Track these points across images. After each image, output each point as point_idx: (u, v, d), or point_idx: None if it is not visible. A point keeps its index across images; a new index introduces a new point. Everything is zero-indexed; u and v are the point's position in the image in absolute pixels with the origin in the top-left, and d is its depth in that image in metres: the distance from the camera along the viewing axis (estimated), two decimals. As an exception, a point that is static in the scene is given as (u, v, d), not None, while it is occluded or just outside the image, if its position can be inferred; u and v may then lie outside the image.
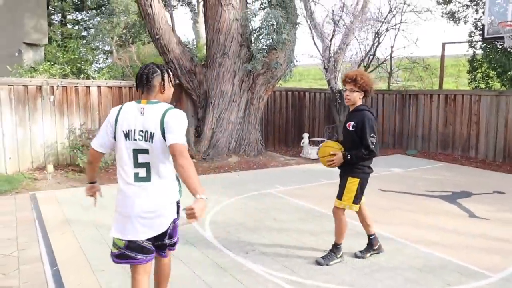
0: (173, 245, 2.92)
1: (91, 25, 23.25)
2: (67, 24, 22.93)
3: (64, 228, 5.17)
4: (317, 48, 13.59)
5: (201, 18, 19.81)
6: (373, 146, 3.93)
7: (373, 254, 4.42)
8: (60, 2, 21.79)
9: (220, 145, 10.11)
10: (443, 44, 12.88)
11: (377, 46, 12.78)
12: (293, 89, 13.33)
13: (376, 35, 12.67)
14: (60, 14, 22.79)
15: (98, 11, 22.18)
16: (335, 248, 4.27)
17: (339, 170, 4.29)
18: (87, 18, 23.89)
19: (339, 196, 4.16)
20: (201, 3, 17.15)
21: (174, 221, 2.81)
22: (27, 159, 8.53)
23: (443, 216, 5.96)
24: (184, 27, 32.60)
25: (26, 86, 8.49)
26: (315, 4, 14.00)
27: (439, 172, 9.38)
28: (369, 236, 4.45)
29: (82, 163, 8.12)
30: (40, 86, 8.64)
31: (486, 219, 5.83)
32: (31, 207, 6.08)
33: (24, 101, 8.46)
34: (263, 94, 10.62)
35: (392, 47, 13.37)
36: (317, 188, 7.70)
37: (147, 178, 2.66)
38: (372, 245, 4.43)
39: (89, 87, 9.25)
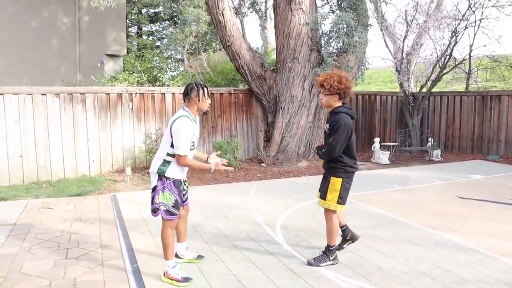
0: (152, 210, 3.80)
1: (164, 35, 24.41)
2: (143, 35, 24.26)
3: (142, 227, 5.44)
4: (389, 50, 13.19)
5: (269, 24, 20.03)
6: (331, 146, 4.03)
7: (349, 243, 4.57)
8: (136, 15, 23.13)
9: (290, 149, 10.11)
10: (530, 41, 11.89)
11: (454, 45, 12.10)
12: (363, 93, 13.01)
13: (453, 34, 12.01)
14: (136, 26, 24.18)
15: (171, 21, 23.24)
16: (328, 250, 4.22)
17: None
18: (161, 29, 25.13)
19: (323, 196, 4.19)
20: (271, 9, 17.34)
21: (153, 190, 3.81)
22: (108, 162, 9.11)
23: (533, 226, 5.48)
24: (252, 33, 33.12)
25: (108, 94, 9.09)
26: (386, 5, 13.63)
27: (526, 179, 8.65)
28: (340, 227, 4.48)
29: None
30: (120, 94, 9.20)
31: None
32: (112, 207, 6.47)
33: (106, 108, 9.06)
34: (333, 98, 10.46)
35: (471, 45, 12.57)
36: (389, 194, 7.43)
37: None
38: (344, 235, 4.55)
39: (164, 94, 9.69)
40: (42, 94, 8.38)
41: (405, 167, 10.38)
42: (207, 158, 3.99)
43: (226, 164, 4.00)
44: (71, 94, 8.70)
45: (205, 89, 3.81)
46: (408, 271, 4.05)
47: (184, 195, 3.97)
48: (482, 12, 12.12)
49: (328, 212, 4.20)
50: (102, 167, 9.03)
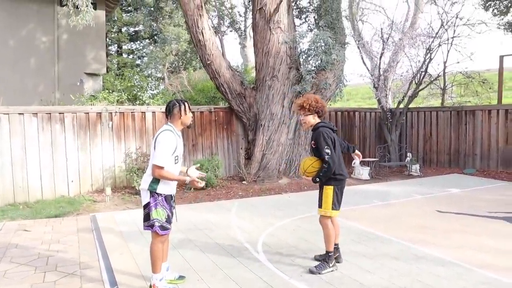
0: (149, 226, 3.89)
1: (144, 54, 24.44)
2: (123, 54, 24.23)
3: (122, 248, 5.35)
4: (366, 67, 13.48)
5: (248, 43, 20.28)
6: (328, 157, 4.33)
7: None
8: (116, 34, 23.13)
9: (271, 167, 10.14)
10: (501, 57, 12.35)
11: (429, 62, 12.46)
12: (343, 109, 13.21)
13: (428, 51, 12.36)
14: (116, 45, 24.16)
15: (151, 40, 23.30)
16: (327, 256, 4.48)
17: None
18: (141, 47, 25.16)
19: (319, 205, 4.53)
20: (250, 28, 17.57)
21: (145, 206, 3.88)
22: (87, 182, 8.97)
23: (509, 239, 5.60)
24: (232, 51, 33.41)
25: (88, 113, 9.01)
26: (363, 23, 13.99)
27: (501, 191, 8.87)
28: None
29: (138, 185, 8.42)
30: (100, 113, 9.14)
31: (557, 242, 5.41)
32: (91, 228, 6.36)
33: (86, 127, 8.97)
34: (313, 115, 10.59)
35: (445, 62, 12.96)
36: (370, 209, 7.51)
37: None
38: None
39: (144, 112, 9.67)
40: (19, 113, 8.26)
41: (385, 182, 10.52)
42: (186, 170, 4.05)
43: (204, 177, 4.09)
44: (49, 113, 8.59)
45: (186, 104, 4.00)
46: (389, 286, 4.09)
47: (173, 211, 4.03)
48: (454, 30, 12.56)
49: (324, 218, 4.49)
50: (81, 187, 8.89)
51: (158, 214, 3.85)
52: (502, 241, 5.47)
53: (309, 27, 12.10)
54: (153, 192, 3.85)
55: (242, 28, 19.86)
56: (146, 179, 3.91)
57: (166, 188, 3.89)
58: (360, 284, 4.15)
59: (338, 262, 4.67)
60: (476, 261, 4.72)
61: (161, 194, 3.86)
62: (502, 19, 12.88)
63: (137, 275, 4.42)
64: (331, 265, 4.44)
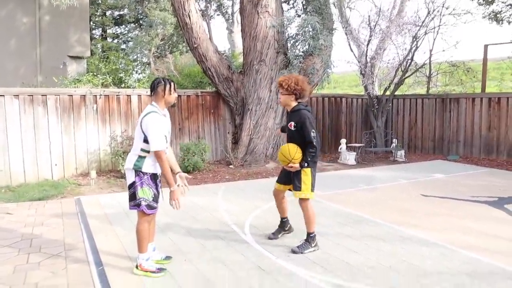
0: (135, 205, 3.83)
1: (129, 38, 24.00)
2: (107, 38, 23.77)
3: (107, 230, 5.30)
4: (353, 54, 13.47)
5: (236, 28, 20.09)
6: (314, 140, 4.35)
7: (285, 234, 4.97)
8: (100, 17, 22.65)
9: (258, 151, 10.13)
10: (486, 46, 12.47)
11: (415, 50, 12.52)
12: (330, 95, 13.23)
13: (414, 39, 12.41)
14: (100, 29, 23.67)
15: (136, 24, 22.90)
16: (309, 237, 4.53)
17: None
18: (126, 32, 24.69)
19: (298, 188, 4.49)
20: (237, 13, 17.40)
21: (130, 186, 3.84)
22: (72, 166, 8.84)
23: (491, 221, 5.72)
24: (220, 37, 33.11)
25: (71, 95, 8.84)
26: (350, 10, 13.93)
27: (483, 177, 9.02)
28: (282, 218, 4.96)
29: (123, 168, 8.32)
30: (84, 95, 8.97)
31: (538, 225, 5.54)
32: (76, 211, 6.28)
33: (69, 110, 8.81)
34: (300, 100, 10.57)
35: (431, 50, 13.04)
36: (355, 193, 7.57)
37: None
38: (283, 227, 4.97)
39: (130, 95, 9.53)
40: (0, 95, 8.05)
41: (370, 167, 10.60)
42: (177, 174, 3.97)
43: (186, 190, 3.92)
44: (32, 95, 8.41)
45: (171, 83, 3.94)
46: (375, 265, 4.14)
47: (159, 190, 3.97)
48: (441, 19, 12.61)
49: (304, 201, 4.50)
50: (65, 171, 8.76)
51: (144, 193, 3.81)
52: (484, 224, 5.57)
53: (297, 13, 12.02)
54: (138, 171, 3.81)
55: (230, 13, 19.66)
56: (131, 158, 3.86)
57: (151, 167, 3.84)
58: (347, 263, 4.18)
59: (291, 231, 5.00)
60: (460, 243, 4.80)
61: (146, 173, 3.82)
62: (488, 8, 12.97)
63: (123, 256, 4.38)
64: (313, 245, 4.51)
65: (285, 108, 4.76)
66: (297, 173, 4.48)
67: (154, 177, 3.89)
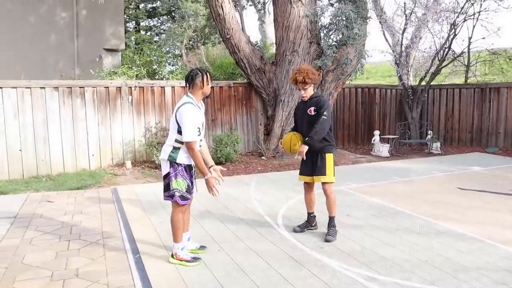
0: (169, 196, 3.90)
1: (162, 31, 24.30)
2: (141, 31, 24.14)
3: (143, 219, 5.43)
4: (388, 43, 13.16)
5: (267, 19, 19.98)
6: (324, 117, 4.53)
7: (310, 229, 4.96)
8: (134, 10, 23.02)
9: (289, 142, 10.07)
10: (529, 33, 11.87)
11: (453, 38, 12.10)
12: (363, 86, 13.00)
13: (452, 27, 11.99)
14: (134, 22, 24.07)
15: (169, 16, 23.14)
16: (333, 221, 4.73)
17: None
18: (159, 24, 25.01)
19: (323, 172, 4.63)
20: (269, 3, 17.28)
21: (165, 176, 3.91)
22: (108, 156, 9.09)
23: (533, 216, 5.50)
24: (251, 28, 33.01)
25: (107, 87, 9.06)
26: (385, -2, 13.54)
27: (525, 170, 8.67)
28: (309, 213, 4.98)
29: (157, 159, 8.49)
30: (120, 87, 9.17)
31: None
32: (113, 200, 6.46)
33: (106, 102, 9.03)
34: (333, 91, 10.45)
35: (470, 38, 12.56)
36: (389, 185, 7.43)
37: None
38: (310, 222, 4.99)
39: (164, 87, 9.67)
40: (41, 87, 8.35)
41: (404, 159, 10.38)
42: (211, 167, 4.00)
43: (221, 181, 3.98)
44: (70, 87, 8.67)
45: (208, 73, 3.96)
46: (410, 259, 4.06)
47: (193, 181, 4.05)
48: (481, 5, 12.11)
49: (329, 185, 4.68)
50: (101, 161, 9.02)
51: (178, 184, 3.87)
52: (526, 218, 5.37)
53: (330, 1, 11.81)
54: (173, 162, 3.87)
55: (262, 3, 19.56)
56: (166, 149, 3.92)
57: (186, 158, 3.89)
58: (381, 256, 4.13)
59: (316, 228, 5.00)
60: (498, 237, 4.65)
61: (181, 164, 3.88)
62: (532, -8, 12.33)
63: (159, 245, 4.48)
64: (336, 228, 4.72)
65: (300, 99, 4.92)
66: (322, 159, 4.65)
67: (188, 168, 3.94)
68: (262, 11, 20.08)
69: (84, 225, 5.23)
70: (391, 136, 11.71)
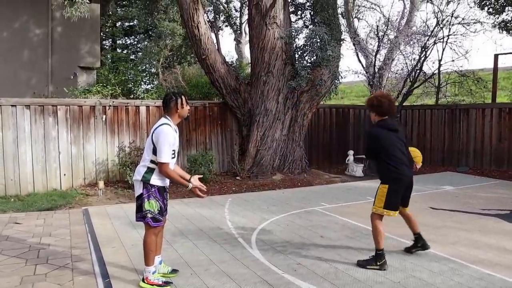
0: (141, 217, 3.86)
1: (139, 49, 24.21)
2: (117, 49, 24.00)
3: (115, 242, 5.30)
4: (361, 64, 13.49)
5: (244, 39, 20.20)
6: (364, 156, 4.76)
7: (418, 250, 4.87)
8: (111, 28, 22.91)
9: (265, 162, 10.11)
10: (496, 56, 12.40)
11: (424, 60, 12.48)
12: (337, 106, 13.21)
13: (423, 49, 12.38)
14: (110, 39, 23.93)
15: (146, 35, 23.10)
16: (376, 254, 4.50)
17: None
18: (135, 42, 24.92)
19: (373, 202, 4.65)
20: (245, 24, 17.49)
21: (138, 197, 3.85)
22: (80, 176, 8.90)
23: (503, 235, 5.62)
24: (227, 48, 33.30)
25: (81, 106, 8.93)
26: (358, 21, 13.97)
27: (494, 189, 8.91)
28: (414, 234, 4.91)
29: (131, 179, 8.36)
30: (94, 106, 9.05)
31: (550, 240, 5.44)
32: (83, 222, 6.30)
33: (79, 121, 8.89)
34: (308, 111, 10.58)
35: (440, 60, 12.99)
36: (363, 205, 7.49)
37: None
38: (416, 243, 4.86)
39: (138, 106, 9.59)
40: (12, 105, 8.16)
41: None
42: (190, 178, 3.98)
43: (204, 190, 4.01)
44: (42, 106, 8.50)
45: (182, 97, 3.97)
46: (383, 281, 4.08)
47: (166, 203, 4.00)
48: (450, 29, 12.59)
49: (372, 215, 4.59)
50: (73, 181, 8.82)
51: (151, 206, 3.82)
52: (494, 238, 5.49)
53: (305, 23, 12.05)
54: (146, 183, 3.83)
55: (238, 24, 19.79)
56: (140, 170, 3.88)
57: (159, 180, 3.85)
58: (354, 279, 4.13)
59: (427, 248, 4.81)
60: (470, 257, 4.73)
61: (154, 186, 3.84)
62: (497, 18, 12.89)
63: (130, 268, 4.38)
64: (378, 263, 4.39)
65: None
66: (377, 189, 4.62)
67: (162, 190, 3.90)
68: (239, 32, 20.31)
69: (53, 248, 5.07)
70: (365, 156, 11.85)
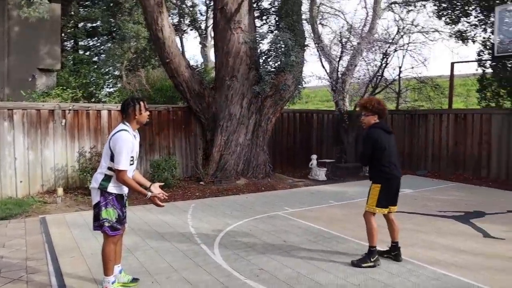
0: (98, 226, 3.77)
1: (102, 51, 23.66)
2: (79, 50, 23.36)
3: (73, 251, 5.15)
4: (325, 70, 13.69)
5: (209, 42, 20.12)
6: (360, 155, 4.92)
7: (388, 257, 4.93)
8: (72, 29, 22.28)
9: (228, 167, 10.08)
10: (452, 64, 12.90)
11: (385, 66, 12.83)
12: (301, 111, 13.37)
13: (384, 56, 12.73)
14: (72, 41, 23.27)
15: (109, 37, 22.61)
16: (369, 251, 4.71)
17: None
18: (98, 44, 24.35)
19: (367, 201, 4.84)
20: (211, 28, 17.44)
21: (95, 206, 3.78)
22: (38, 183, 8.59)
23: (457, 236, 5.85)
24: (193, 51, 33.08)
25: (39, 110, 8.63)
26: (322, 27, 14.19)
27: (450, 192, 9.25)
28: (392, 242, 4.95)
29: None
30: (53, 110, 8.77)
31: (501, 239, 5.72)
32: (40, 231, 6.08)
33: (37, 125, 8.58)
34: (271, 116, 10.65)
35: (400, 67, 13.41)
36: (326, 209, 7.62)
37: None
38: (390, 251, 4.95)
39: (100, 110, 9.37)
40: (-37, 110, 7.79)
41: (341, 183, 10.71)
42: (150, 186, 3.90)
43: (165, 198, 3.92)
44: (-3, 110, 8.16)
45: (141, 102, 3.89)
46: (344, 284, 4.16)
47: (124, 211, 3.90)
48: (410, 37, 13.04)
49: (366, 213, 4.77)
50: (30, 188, 8.50)
51: (108, 214, 3.73)
52: (450, 239, 5.70)
53: (270, 29, 12.15)
54: (103, 191, 3.73)
55: (203, 27, 19.69)
56: (97, 177, 3.78)
57: (117, 187, 3.77)
58: (316, 283, 4.18)
59: (398, 260, 4.81)
60: (427, 258, 4.89)
61: (112, 194, 3.75)
62: (454, 27, 13.44)
63: (88, 279, 4.26)
64: (372, 259, 4.61)
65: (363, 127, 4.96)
66: (369, 189, 4.81)
67: (120, 198, 3.82)
68: (204, 35, 20.22)
69: (6, 260, 4.86)
70: (328, 160, 12.06)
